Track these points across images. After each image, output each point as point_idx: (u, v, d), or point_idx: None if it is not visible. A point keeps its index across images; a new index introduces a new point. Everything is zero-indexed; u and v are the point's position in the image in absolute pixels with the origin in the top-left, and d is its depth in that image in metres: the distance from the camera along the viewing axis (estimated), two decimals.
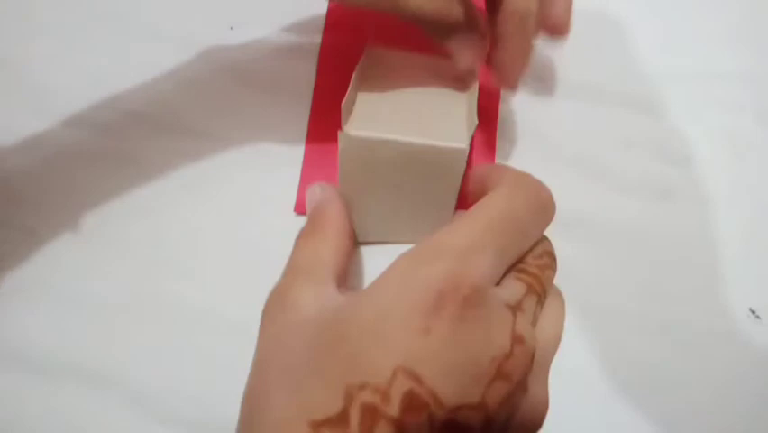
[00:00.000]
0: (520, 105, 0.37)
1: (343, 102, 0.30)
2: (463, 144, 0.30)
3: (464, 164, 0.31)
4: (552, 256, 0.26)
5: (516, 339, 0.22)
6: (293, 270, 0.26)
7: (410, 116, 0.32)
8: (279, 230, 0.35)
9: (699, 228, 0.35)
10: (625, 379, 0.33)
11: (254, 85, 0.38)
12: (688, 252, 0.35)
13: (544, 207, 0.25)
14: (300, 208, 0.35)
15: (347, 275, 0.27)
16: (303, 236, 0.28)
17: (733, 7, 0.39)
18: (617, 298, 0.34)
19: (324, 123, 0.36)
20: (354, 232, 0.34)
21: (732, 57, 0.38)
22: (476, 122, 0.30)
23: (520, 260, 0.24)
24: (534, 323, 0.24)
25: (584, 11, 0.38)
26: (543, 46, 0.38)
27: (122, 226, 0.36)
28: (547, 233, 0.35)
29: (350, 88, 0.31)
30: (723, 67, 0.38)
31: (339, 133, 0.30)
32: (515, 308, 0.23)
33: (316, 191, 0.30)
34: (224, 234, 0.36)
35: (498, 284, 0.24)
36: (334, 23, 0.38)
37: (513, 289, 0.23)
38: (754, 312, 0.34)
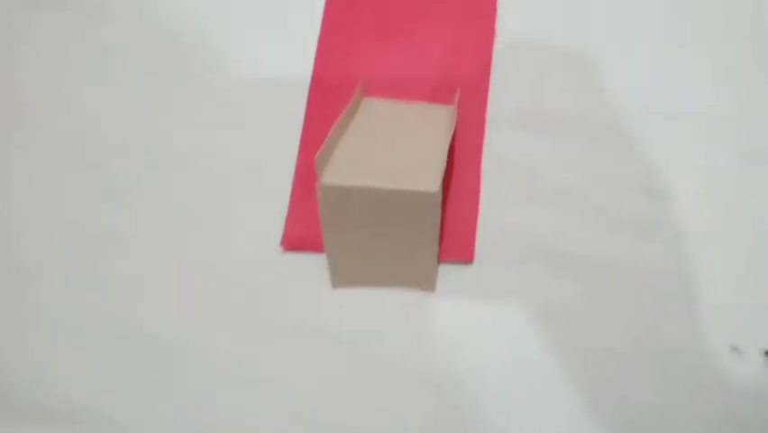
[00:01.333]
0: (504, 144, 0.38)
1: (318, 153, 0.31)
2: (435, 188, 0.31)
3: (438, 207, 0.31)
4: None
5: None
6: None
7: (387, 163, 0.33)
8: (265, 265, 0.36)
9: (682, 264, 0.36)
10: (611, 414, 0.33)
11: (244, 121, 0.38)
12: (671, 287, 0.35)
13: None
14: (287, 244, 0.36)
15: None
16: None
17: (712, 47, 0.40)
18: (604, 333, 0.35)
19: (312, 160, 0.36)
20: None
21: (712, 95, 0.39)
22: (444, 164, 0.32)
23: None
24: None
25: (567, 52, 0.39)
26: (527, 87, 0.39)
27: (106, 259, 0.36)
28: (531, 270, 0.35)
29: (327, 138, 0.32)
30: (704, 105, 0.39)
31: (317, 183, 0.30)
32: None
33: None
34: (211, 268, 0.36)
35: None
36: (325, 62, 0.39)
37: None
38: (735, 348, 0.35)
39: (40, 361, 0.35)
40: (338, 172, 0.32)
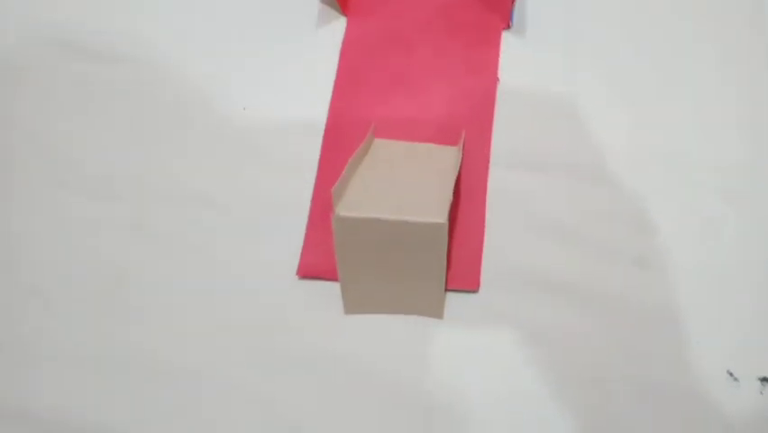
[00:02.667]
0: (507, 182, 0.40)
1: (334, 187, 0.33)
2: (442, 219, 0.33)
3: (445, 238, 0.34)
4: None
5: None
6: None
7: (397, 197, 0.35)
8: (281, 292, 0.38)
9: (675, 294, 0.38)
10: None
11: (262, 159, 0.41)
12: (665, 317, 0.37)
13: None
14: (303, 272, 0.38)
15: None
16: None
17: (700, 92, 0.43)
18: (599, 361, 0.36)
19: (326, 195, 0.39)
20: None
21: (701, 138, 0.42)
22: (451, 198, 0.34)
23: None
24: None
25: (562, 99, 0.42)
26: (528, 127, 0.42)
27: (125, 288, 0.38)
28: (532, 298, 0.37)
29: (343, 173, 0.35)
30: (691, 147, 0.41)
31: (332, 215, 0.33)
32: None
33: None
34: (229, 297, 0.38)
35: None
36: (339, 105, 0.42)
37: None
38: (731, 374, 0.36)
39: (56, 387, 0.36)
40: (352, 205, 0.34)
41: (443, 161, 0.39)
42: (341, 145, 0.40)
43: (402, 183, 0.37)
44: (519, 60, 0.43)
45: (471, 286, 0.37)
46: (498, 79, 0.43)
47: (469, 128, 0.41)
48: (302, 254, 0.38)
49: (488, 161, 0.40)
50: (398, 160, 0.39)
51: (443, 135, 0.41)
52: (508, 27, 0.44)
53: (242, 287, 0.38)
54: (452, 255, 0.37)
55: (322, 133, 0.41)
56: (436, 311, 0.37)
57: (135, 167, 0.41)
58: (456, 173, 0.37)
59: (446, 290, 0.37)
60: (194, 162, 0.41)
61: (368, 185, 0.36)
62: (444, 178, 0.37)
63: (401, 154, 0.40)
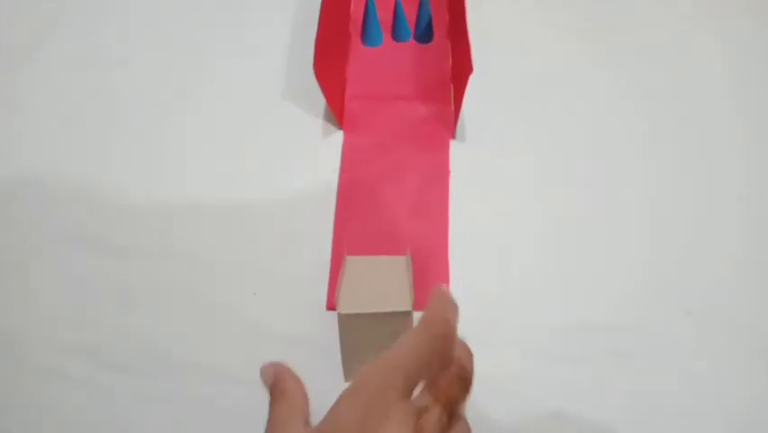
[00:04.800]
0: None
1: (337, 289, 0.50)
2: (408, 307, 0.48)
3: (411, 320, 0.48)
4: (463, 378, 0.31)
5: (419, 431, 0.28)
6: (273, 426, 0.31)
7: (378, 289, 0.51)
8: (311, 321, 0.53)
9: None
10: None
11: (290, 216, 0.58)
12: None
13: (442, 338, 0.30)
14: (331, 305, 0.54)
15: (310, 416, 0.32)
16: (273, 402, 0.32)
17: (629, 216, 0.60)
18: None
19: (342, 239, 0.56)
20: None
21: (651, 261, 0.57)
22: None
23: (433, 381, 0.30)
24: (440, 430, 0.29)
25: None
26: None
27: (169, 315, 0.52)
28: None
29: (338, 279, 0.51)
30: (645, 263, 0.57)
31: (337, 312, 0.48)
32: (421, 411, 0.29)
33: (269, 370, 0.33)
34: (263, 330, 0.53)
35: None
36: (347, 176, 0.60)
37: (422, 399, 0.30)
38: None
39: None
40: (348, 302, 0.49)
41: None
42: (354, 203, 0.59)
43: (379, 283, 0.52)
44: (463, 161, 0.63)
45: None
46: (449, 172, 0.63)
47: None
48: (329, 289, 0.55)
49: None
50: (380, 269, 0.54)
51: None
52: (454, 137, 0.65)
53: (278, 317, 0.53)
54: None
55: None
56: None
57: (178, 236, 0.58)
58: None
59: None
60: (231, 223, 0.58)
61: (358, 285, 0.51)
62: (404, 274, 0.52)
63: (379, 265, 0.55)
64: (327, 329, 0.50)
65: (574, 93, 0.67)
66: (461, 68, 0.61)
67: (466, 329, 0.32)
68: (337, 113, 0.64)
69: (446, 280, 0.56)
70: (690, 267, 0.56)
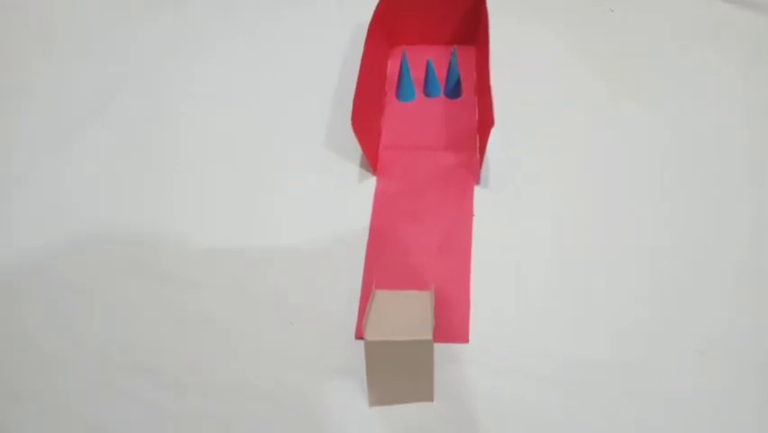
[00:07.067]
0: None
1: (364, 319, 0.54)
2: (429, 336, 0.53)
3: (432, 349, 0.53)
4: None
5: None
6: None
7: (403, 320, 0.56)
8: (341, 350, 0.58)
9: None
10: None
11: (324, 255, 0.65)
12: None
13: None
14: (359, 335, 0.59)
15: None
16: None
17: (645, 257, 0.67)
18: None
19: (372, 276, 0.62)
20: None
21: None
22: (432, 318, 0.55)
23: None
24: None
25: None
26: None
27: (198, 339, 0.59)
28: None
29: (366, 309, 0.56)
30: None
31: (364, 339, 0.53)
32: None
33: None
34: (298, 357, 0.58)
35: None
36: (377, 223, 0.66)
37: None
38: None
39: None
40: (375, 330, 0.54)
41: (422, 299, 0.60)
42: (383, 246, 0.65)
43: (404, 312, 0.57)
44: (486, 205, 0.69)
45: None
46: (473, 215, 0.68)
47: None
48: (358, 319, 0.60)
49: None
50: (404, 302, 0.59)
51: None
52: (478, 183, 0.70)
53: (306, 344, 0.59)
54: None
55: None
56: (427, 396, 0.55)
57: (217, 274, 0.64)
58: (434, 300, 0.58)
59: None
60: (271, 258, 0.64)
61: (385, 315, 0.56)
62: (427, 307, 0.57)
63: (404, 297, 0.60)
64: (356, 357, 0.56)
65: (582, 147, 0.74)
66: (485, 121, 0.68)
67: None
68: (372, 161, 0.71)
69: (467, 313, 0.61)
70: (699, 305, 0.60)
